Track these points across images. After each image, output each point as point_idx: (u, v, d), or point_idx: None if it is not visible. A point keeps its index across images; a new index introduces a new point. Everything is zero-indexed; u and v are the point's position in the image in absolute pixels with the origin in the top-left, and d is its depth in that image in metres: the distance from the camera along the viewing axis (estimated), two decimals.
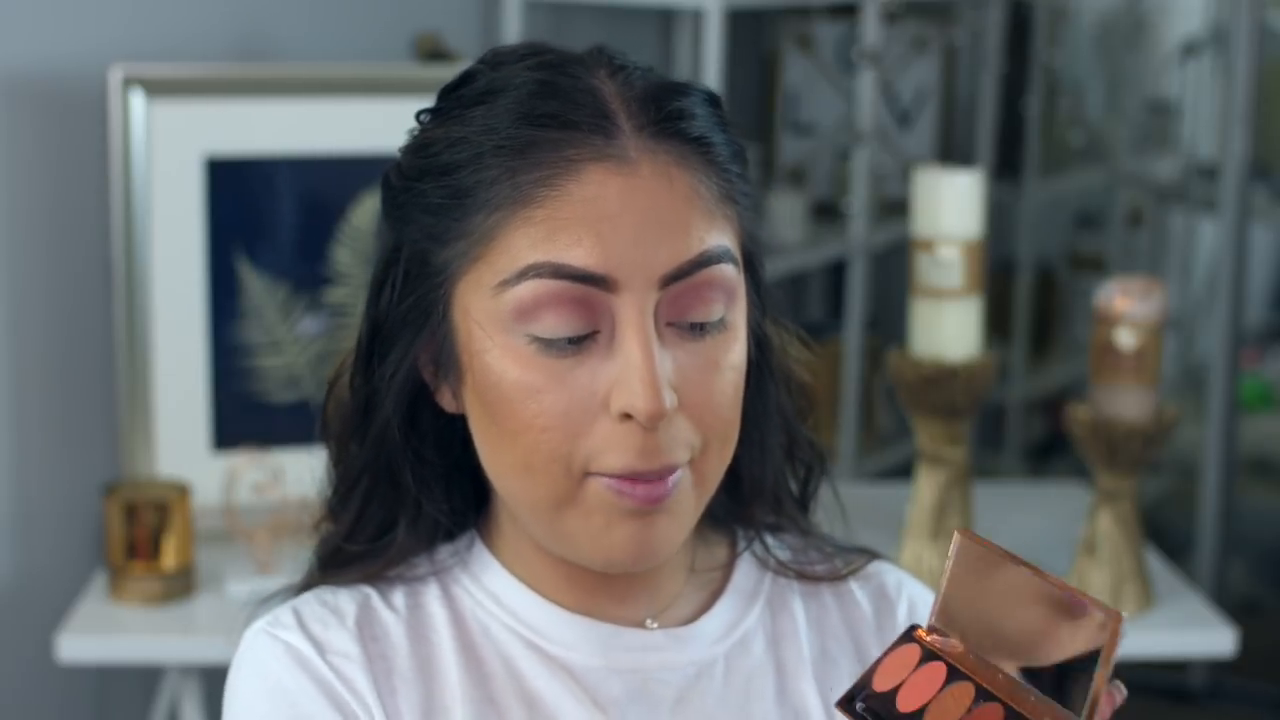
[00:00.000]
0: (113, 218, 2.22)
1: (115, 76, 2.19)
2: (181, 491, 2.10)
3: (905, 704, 0.93)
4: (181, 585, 2.08)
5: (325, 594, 1.07)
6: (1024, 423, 4.04)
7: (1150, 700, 3.55)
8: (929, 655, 0.94)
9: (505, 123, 0.98)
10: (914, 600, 1.14)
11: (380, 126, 2.32)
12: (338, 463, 1.09)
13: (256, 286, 2.28)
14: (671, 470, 0.98)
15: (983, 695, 0.91)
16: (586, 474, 0.98)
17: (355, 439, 1.07)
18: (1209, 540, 3.57)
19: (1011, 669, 0.90)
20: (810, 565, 1.13)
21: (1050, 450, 4.17)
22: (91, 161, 2.31)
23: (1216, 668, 3.54)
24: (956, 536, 0.93)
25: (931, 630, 0.94)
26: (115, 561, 2.07)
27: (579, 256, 0.96)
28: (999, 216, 3.47)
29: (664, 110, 1.00)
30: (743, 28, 3.32)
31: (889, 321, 3.38)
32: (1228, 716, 3.55)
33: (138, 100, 2.20)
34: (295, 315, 2.31)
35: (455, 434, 1.06)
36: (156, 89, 2.21)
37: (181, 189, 2.24)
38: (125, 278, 2.21)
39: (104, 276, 2.33)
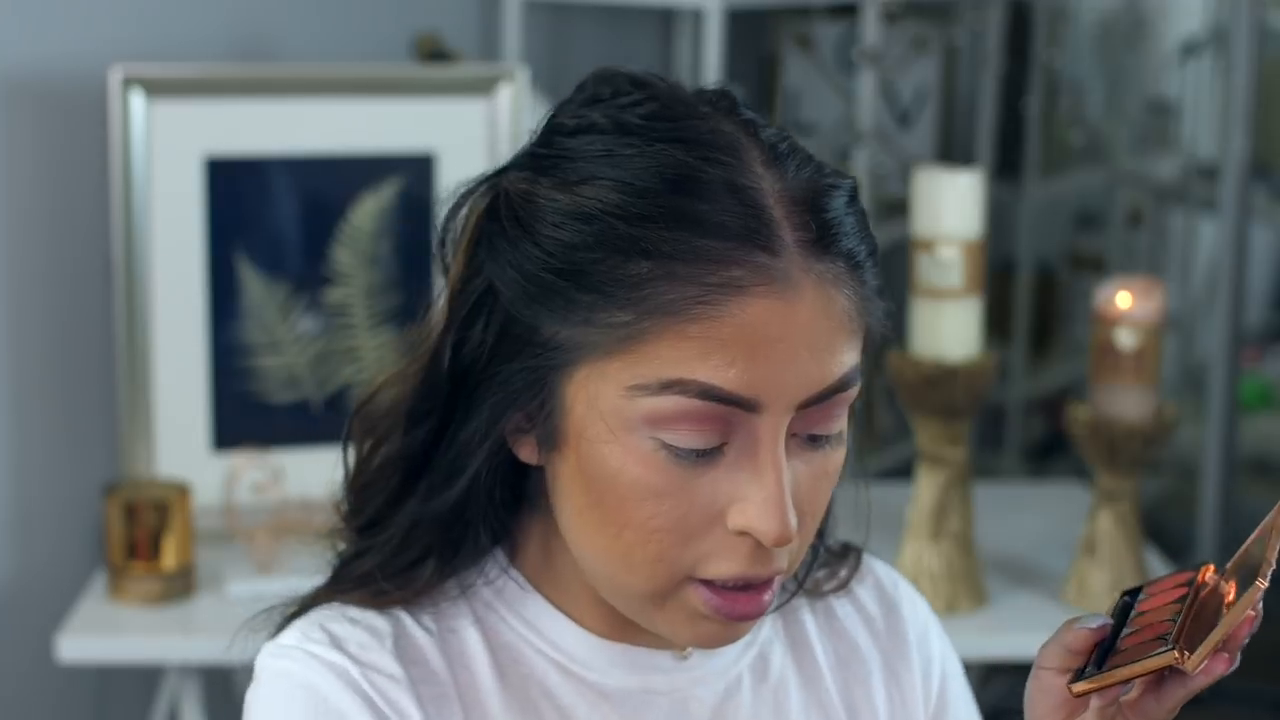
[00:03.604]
0: (113, 218, 2.22)
1: (115, 76, 2.19)
2: (181, 491, 2.10)
3: (1142, 607, 0.97)
4: (181, 585, 2.08)
5: (352, 612, 1.02)
6: (1024, 423, 4.04)
7: None
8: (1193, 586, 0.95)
9: (650, 212, 0.92)
10: (909, 594, 1.16)
11: (380, 126, 2.32)
12: (369, 477, 1.04)
13: (256, 286, 2.28)
14: (778, 574, 0.97)
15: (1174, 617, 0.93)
16: (689, 578, 0.96)
17: (409, 479, 1.02)
18: (1209, 540, 3.57)
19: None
20: (813, 579, 1.12)
21: (1050, 450, 4.16)
22: (91, 161, 2.31)
23: None
24: None
25: (1217, 571, 0.95)
26: (115, 561, 2.07)
27: (730, 379, 0.92)
28: (999, 216, 3.46)
29: (823, 219, 0.95)
30: (743, 28, 3.32)
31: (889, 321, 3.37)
32: (1228, 716, 3.55)
33: (138, 100, 2.20)
34: (295, 315, 2.31)
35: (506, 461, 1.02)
36: (156, 89, 2.21)
37: (181, 189, 2.23)
38: (125, 278, 2.21)
39: (104, 277, 2.33)
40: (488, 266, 0.98)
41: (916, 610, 1.15)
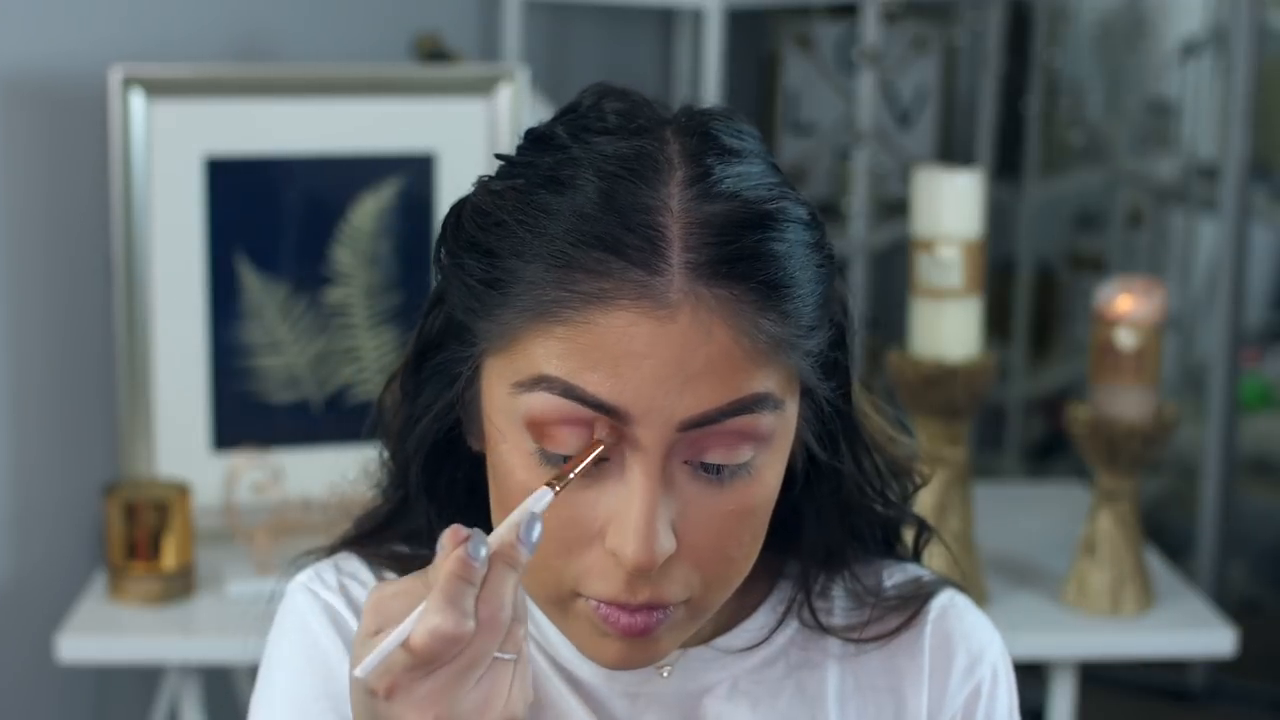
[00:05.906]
0: (113, 218, 2.22)
1: (115, 76, 2.19)
2: (181, 491, 2.10)
3: None
4: (181, 585, 2.08)
5: (371, 563, 1.09)
6: (1024, 423, 4.04)
7: (1150, 700, 3.55)
8: None
9: (558, 230, 0.93)
10: (976, 651, 1.13)
11: (380, 126, 2.32)
12: (392, 457, 1.09)
13: (256, 286, 2.28)
14: (659, 606, 0.95)
15: None
16: (574, 593, 0.96)
17: (398, 453, 1.08)
18: (1209, 540, 3.57)
19: None
20: (856, 628, 1.09)
21: (1050, 450, 4.17)
22: (91, 161, 2.31)
23: (1216, 668, 3.54)
24: None
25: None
26: (115, 561, 2.07)
27: (592, 383, 0.92)
28: (999, 216, 3.47)
29: (732, 247, 0.93)
30: (743, 28, 3.32)
31: (889, 321, 3.37)
32: (1228, 716, 3.55)
33: (138, 100, 2.20)
34: (295, 315, 2.31)
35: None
36: (156, 89, 2.21)
37: (181, 189, 2.23)
38: (125, 278, 2.21)
39: (104, 277, 2.33)
40: (439, 278, 1.02)
41: (971, 677, 1.11)
